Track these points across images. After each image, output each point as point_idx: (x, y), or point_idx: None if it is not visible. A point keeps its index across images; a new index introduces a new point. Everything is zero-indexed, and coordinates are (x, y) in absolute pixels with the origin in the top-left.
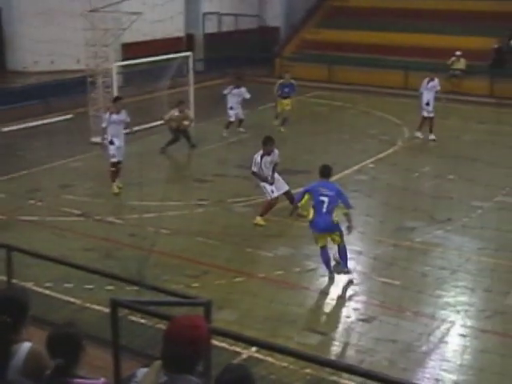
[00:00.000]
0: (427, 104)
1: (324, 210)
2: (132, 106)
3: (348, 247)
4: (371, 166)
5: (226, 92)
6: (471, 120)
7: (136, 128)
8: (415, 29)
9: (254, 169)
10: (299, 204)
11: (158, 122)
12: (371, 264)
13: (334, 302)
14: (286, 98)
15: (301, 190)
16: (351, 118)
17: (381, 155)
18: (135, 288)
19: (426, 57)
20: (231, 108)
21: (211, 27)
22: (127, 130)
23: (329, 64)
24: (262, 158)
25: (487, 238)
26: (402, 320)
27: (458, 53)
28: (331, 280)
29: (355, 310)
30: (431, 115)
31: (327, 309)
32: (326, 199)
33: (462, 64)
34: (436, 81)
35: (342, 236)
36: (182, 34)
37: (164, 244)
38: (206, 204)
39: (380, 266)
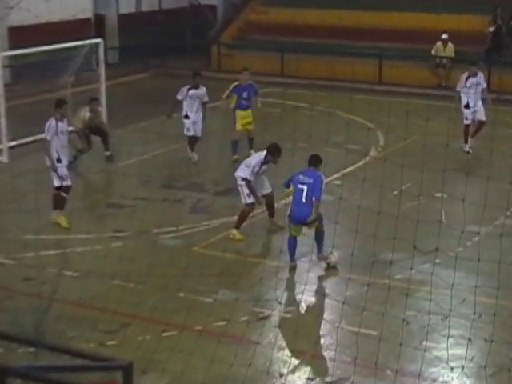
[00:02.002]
0: (467, 106)
1: (303, 199)
2: (24, 109)
3: (309, 287)
4: (336, 183)
5: (180, 97)
6: (462, 121)
7: (31, 138)
8: (391, 6)
9: (250, 177)
10: (287, 190)
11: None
12: (340, 309)
13: (292, 360)
14: (245, 109)
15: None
16: (310, 121)
17: (349, 169)
18: (31, 349)
19: (405, 41)
20: (187, 116)
21: (127, 6)
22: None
23: (280, 53)
24: (261, 166)
25: (486, 272)
26: (380, 381)
27: (444, 36)
28: (292, 270)
29: (320, 369)
30: (481, 119)
31: (283, 368)
32: (304, 187)
33: (449, 50)
34: (479, 76)
35: (321, 223)
36: (89, 14)
37: (70, 290)
38: (124, 236)
39: (351, 311)
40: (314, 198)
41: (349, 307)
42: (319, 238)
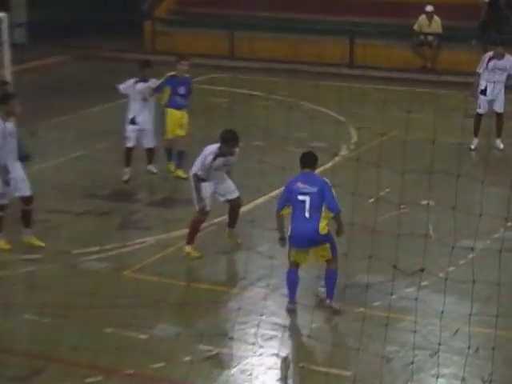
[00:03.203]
0: (483, 92)
1: (306, 213)
2: None
3: (267, 318)
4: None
5: (122, 88)
6: (453, 112)
7: None
8: None
9: (200, 172)
10: (280, 213)
11: None
12: (305, 345)
13: None
14: (180, 108)
15: (280, 193)
16: (266, 113)
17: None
18: None
19: (382, 15)
20: (133, 121)
21: None
22: None
23: (229, 30)
24: (215, 158)
25: (484, 297)
26: None
27: (428, 8)
28: (291, 313)
29: None
30: (498, 110)
31: None
32: (306, 198)
33: (435, 26)
34: (506, 59)
35: (334, 250)
36: None
37: None
38: (36, 259)
39: (319, 347)
40: (329, 211)
41: (316, 342)
42: (331, 278)
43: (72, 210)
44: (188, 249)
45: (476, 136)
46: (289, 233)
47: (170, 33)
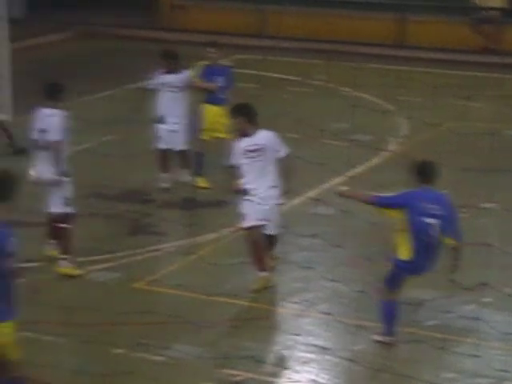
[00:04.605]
0: None
1: (433, 240)
2: None
3: (302, 339)
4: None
5: (151, 85)
6: None
7: None
8: None
9: (235, 160)
10: (384, 212)
11: None
12: (346, 370)
13: None
14: (218, 103)
15: (386, 195)
16: (302, 101)
17: (357, 170)
18: None
19: None
20: (163, 120)
21: None
22: None
23: (257, 4)
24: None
25: None
26: None
27: None
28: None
29: None
30: None
31: None
32: (435, 222)
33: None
34: None
35: None
36: None
37: None
38: (34, 268)
39: (362, 373)
40: (452, 239)
41: (359, 367)
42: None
43: (75, 211)
44: (262, 276)
45: None
46: (405, 257)
47: (187, 7)
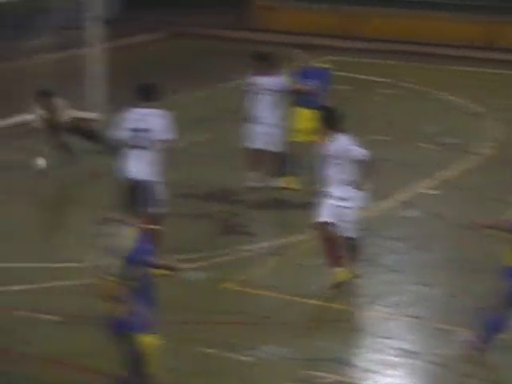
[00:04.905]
0: None
1: None
2: None
3: (391, 342)
4: (431, 192)
5: (244, 86)
6: None
7: None
8: None
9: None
10: None
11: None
12: (438, 376)
13: None
14: (311, 106)
15: None
16: (391, 103)
17: (448, 173)
18: None
19: None
20: (256, 121)
21: None
22: None
23: (347, 5)
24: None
25: None
26: None
27: None
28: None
29: None
30: None
31: None
32: None
33: None
34: None
35: None
36: None
37: (49, 342)
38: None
39: (455, 380)
40: None
41: (446, 372)
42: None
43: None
44: (338, 271)
45: None
46: None
47: (277, 7)
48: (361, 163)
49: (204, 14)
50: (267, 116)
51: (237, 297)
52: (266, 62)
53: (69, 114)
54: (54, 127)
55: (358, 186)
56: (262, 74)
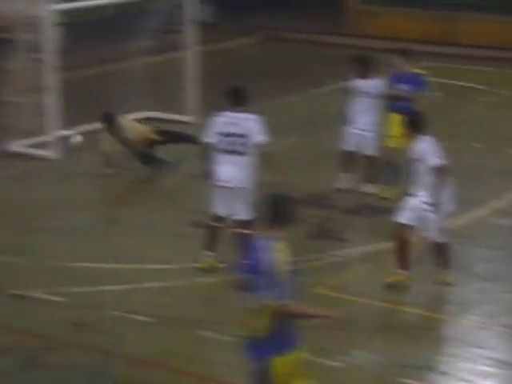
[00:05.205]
0: None
1: None
2: (75, 85)
3: (486, 352)
4: None
5: (343, 89)
6: None
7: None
8: None
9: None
10: None
11: None
12: None
13: None
14: (401, 111)
15: None
16: (488, 110)
17: None
18: None
19: None
20: (352, 123)
21: None
22: None
23: (444, 10)
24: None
25: None
26: None
27: None
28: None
29: None
30: None
31: None
32: None
33: None
34: None
35: None
36: None
37: (138, 342)
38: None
39: None
40: None
41: None
42: None
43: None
44: (400, 273)
45: None
46: None
47: (376, 13)
48: (435, 170)
49: (302, 18)
50: (363, 119)
51: (328, 301)
52: (366, 66)
53: (135, 129)
54: (128, 145)
55: (438, 191)
56: (362, 77)
